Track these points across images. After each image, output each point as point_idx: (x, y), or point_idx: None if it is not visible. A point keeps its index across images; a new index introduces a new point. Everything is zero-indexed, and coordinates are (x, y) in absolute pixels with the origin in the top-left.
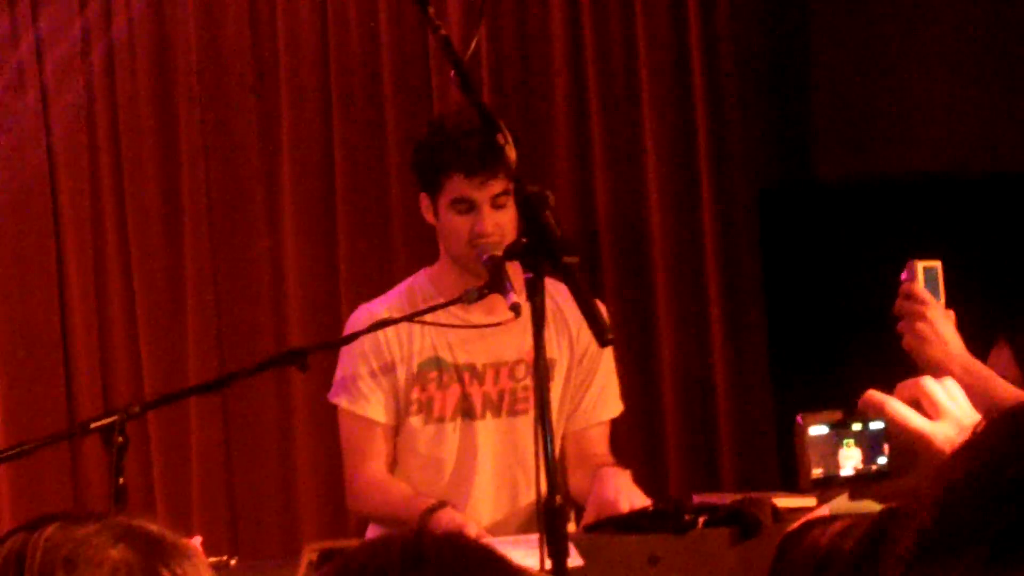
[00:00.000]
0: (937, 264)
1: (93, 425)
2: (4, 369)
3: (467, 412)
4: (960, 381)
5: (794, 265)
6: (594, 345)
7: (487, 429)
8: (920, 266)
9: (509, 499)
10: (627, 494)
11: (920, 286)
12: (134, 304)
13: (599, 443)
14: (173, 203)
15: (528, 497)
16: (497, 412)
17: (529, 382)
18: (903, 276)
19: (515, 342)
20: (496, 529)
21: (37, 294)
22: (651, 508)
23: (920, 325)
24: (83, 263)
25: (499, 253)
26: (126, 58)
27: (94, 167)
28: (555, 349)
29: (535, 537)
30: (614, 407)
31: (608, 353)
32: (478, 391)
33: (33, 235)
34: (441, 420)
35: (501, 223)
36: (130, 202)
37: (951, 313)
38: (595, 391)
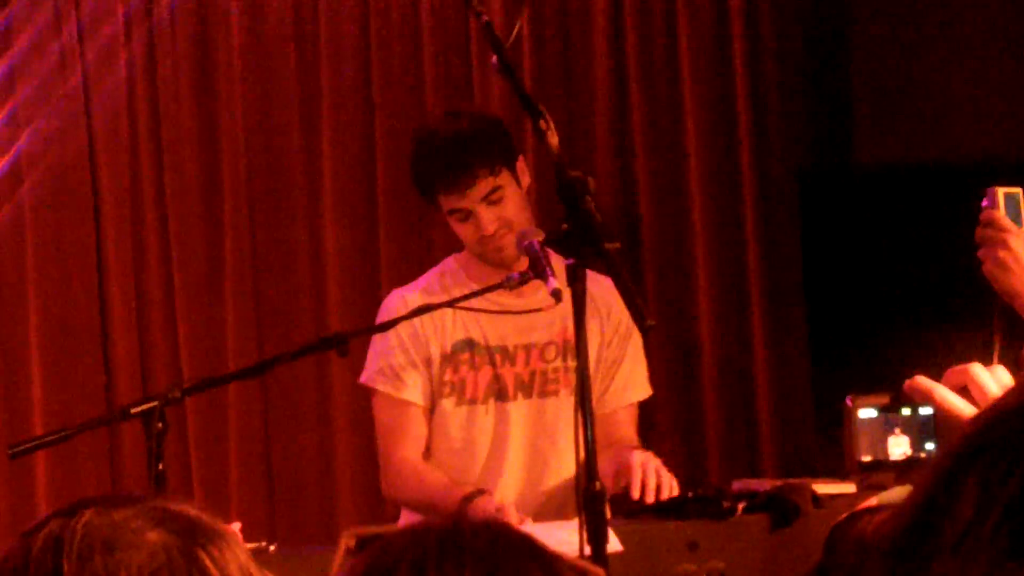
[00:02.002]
0: (1019, 191)
1: (133, 410)
2: (44, 355)
3: (499, 394)
4: None
5: (834, 250)
6: (623, 328)
7: (518, 410)
8: (1001, 192)
9: (539, 480)
10: (641, 456)
11: (1001, 213)
12: (173, 289)
13: (626, 426)
14: (213, 188)
15: (558, 478)
16: (528, 393)
17: (559, 363)
18: (984, 203)
19: (545, 324)
20: (526, 510)
21: (76, 279)
22: (691, 494)
23: (1001, 253)
24: (122, 248)
25: (540, 238)
26: (167, 42)
27: (134, 151)
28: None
29: (574, 522)
30: (642, 390)
31: (636, 337)
32: (510, 372)
33: (73, 220)
34: (473, 402)
35: (503, 216)
36: (170, 187)
37: None
38: (623, 374)
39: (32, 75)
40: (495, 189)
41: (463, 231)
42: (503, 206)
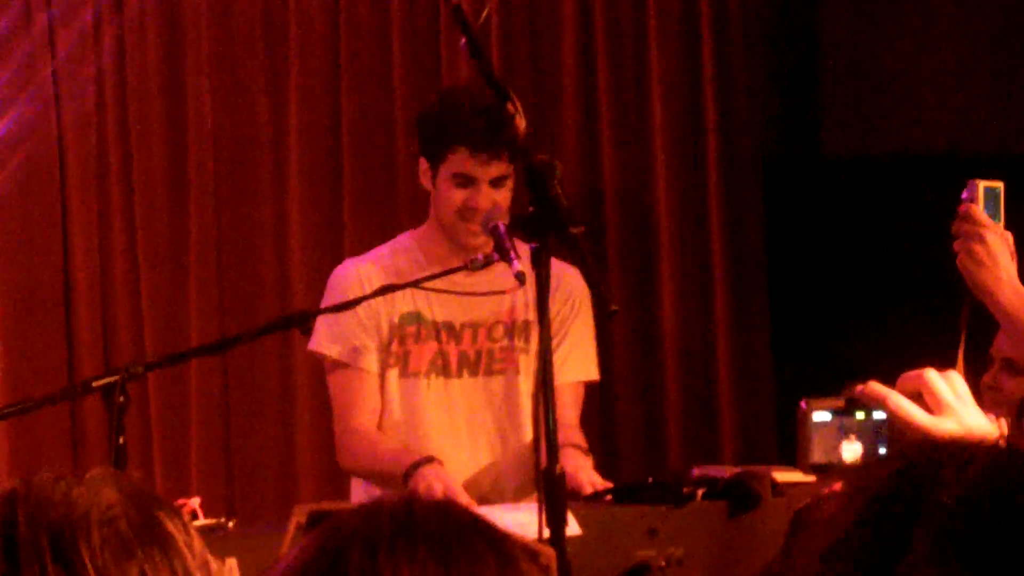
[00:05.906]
0: (999, 185)
1: (95, 384)
2: (6, 328)
3: (441, 369)
4: (1009, 306)
5: (798, 241)
6: (569, 304)
7: (463, 388)
8: (981, 186)
9: (486, 459)
10: (587, 472)
11: (979, 208)
12: (137, 265)
13: (566, 408)
14: (178, 165)
15: (506, 458)
16: (474, 371)
17: (507, 343)
18: (963, 195)
19: (493, 304)
20: (475, 489)
21: (41, 254)
22: (650, 480)
23: (976, 247)
24: (87, 224)
25: (505, 221)
26: (136, 27)
27: (101, 130)
28: (532, 312)
29: (533, 505)
30: (584, 371)
31: (585, 318)
32: (454, 350)
33: (39, 195)
34: (415, 375)
35: (497, 201)
36: (136, 164)
37: (1009, 235)
38: (563, 352)
39: (2, 67)
40: (506, 176)
41: (453, 196)
42: (502, 194)
